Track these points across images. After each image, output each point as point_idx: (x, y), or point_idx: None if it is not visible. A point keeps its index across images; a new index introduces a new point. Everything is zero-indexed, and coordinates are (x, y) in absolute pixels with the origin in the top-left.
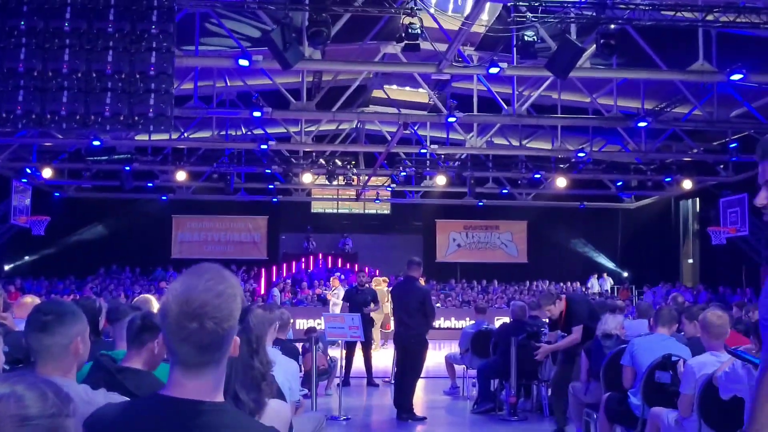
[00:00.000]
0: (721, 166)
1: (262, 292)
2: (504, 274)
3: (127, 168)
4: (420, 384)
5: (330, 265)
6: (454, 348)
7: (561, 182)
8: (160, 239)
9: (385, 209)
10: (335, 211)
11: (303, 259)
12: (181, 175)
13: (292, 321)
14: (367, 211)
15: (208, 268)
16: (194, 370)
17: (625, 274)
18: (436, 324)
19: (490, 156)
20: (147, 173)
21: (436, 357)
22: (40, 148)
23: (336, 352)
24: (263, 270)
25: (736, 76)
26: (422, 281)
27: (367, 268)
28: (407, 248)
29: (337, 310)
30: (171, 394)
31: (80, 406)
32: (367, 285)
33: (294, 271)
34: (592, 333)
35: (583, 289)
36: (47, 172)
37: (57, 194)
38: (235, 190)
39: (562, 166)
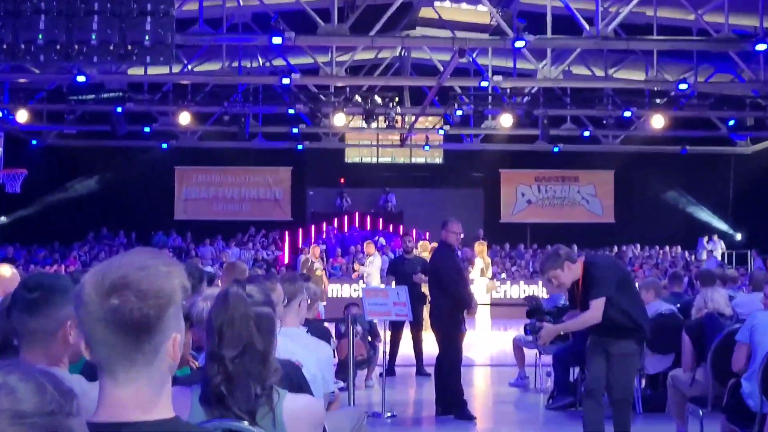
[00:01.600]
0: None
1: (287, 260)
2: (585, 236)
3: (119, 109)
4: (480, 374)
5: (369, 227)
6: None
7: (657, 121)
8: (161, 197)
9: (436, 157)
10: (374, 160)
11: (335, 220)
12: (184, 118)
13: (323, 295)
14: (414, 161)
15: (142, 249)
16: (121, 372)
17: (739, 237)
18: (498, 295)
19: (568, 90)
20: (143, 115)
21: (501, 340)
22: (13, 86)
23: (379, 335)
24: (287, 234)
25: None
26: (479, 246)
27: (414, 231)
28: (464, 206)
29: (373, 283)
30: (95, 419)
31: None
32: (414, 252)
33: (325, 234)
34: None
35: (689, 257)
36: (22, 116)
37: (34, 142)
38: (251, 135)
39: (658, 101)
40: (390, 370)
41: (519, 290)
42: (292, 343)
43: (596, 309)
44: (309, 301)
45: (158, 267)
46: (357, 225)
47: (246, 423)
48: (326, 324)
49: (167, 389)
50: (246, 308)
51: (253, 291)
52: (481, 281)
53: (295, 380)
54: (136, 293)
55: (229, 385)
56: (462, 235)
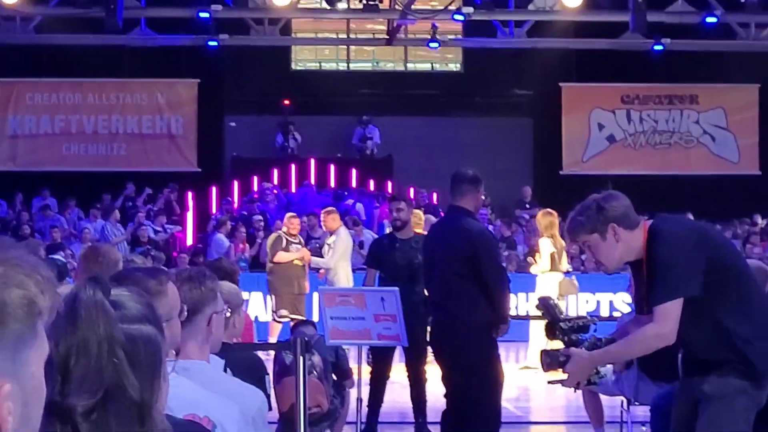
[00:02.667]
0: None
1: (190, 242)
2: (709, 198)
3: None
4: None
5: (333, 185)
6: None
7: None
8: None
9: (450, 63)
10: (342, 67)
11: (275, 172)
12: None
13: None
14: (411, 67)
15: None
16: None
17: None
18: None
19: None
20: None
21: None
22: None
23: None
24: (190, 195)
25: None
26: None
27: (412, 190)
28: (499, 146)
29: (339, 280)
30: None
31: None
32: (413, 228)
33: (258, 195)
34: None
35: None
36: None
37: None
38: (128, 23)
39: None
40: (370, 428)
41: (593, 291)
42: (197, 386)
43: (663, 320)
44: (228, 314)
45: None
46: (313, 181)
47: None
48: (261, 354)
49: None
50: (110, 327)
51: (125, 298)
52: (552, 278)
53: None
54: None
55: None
56: (486, 197)
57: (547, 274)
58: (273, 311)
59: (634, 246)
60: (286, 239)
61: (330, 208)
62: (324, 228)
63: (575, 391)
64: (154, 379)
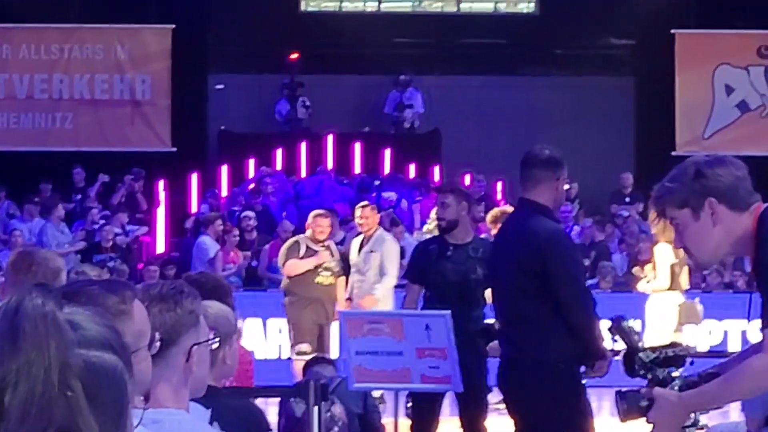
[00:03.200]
0: None
1: (161, 248)
2: None
3: None
4: None
5: (359, 170)
6: (729, 414)
7: None
8: None
9: (522, 2)
10: (373, 7)
11: (279, 151)
12: None
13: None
14: (466, 8)
15: None
16: None
17: None
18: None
19: None
20: None
21: None
22: None
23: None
24: (162, 183)
25: None
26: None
27: (467, 177)
28: (591, 115)
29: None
30: None
31: None
32: (456, 227)
33: (255, 184)
34: None
35: None
36: None
37: None
38: None
39: None
40: None
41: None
42: None
43: None
44: (216, 345)
45: None
46: (330, 165)
47: None
48: (261, 403)
49: None
50: (64, 349)
51: (82, 317)
52: (669, 300)
53: None
54: None
55: None
56: (571, 187)
57: (663, 294)
58: (291, 346)
59: (740, 235)
60: (307, 246)
61: (366, 203)
62: (361, 229)
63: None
64: (119, 424)
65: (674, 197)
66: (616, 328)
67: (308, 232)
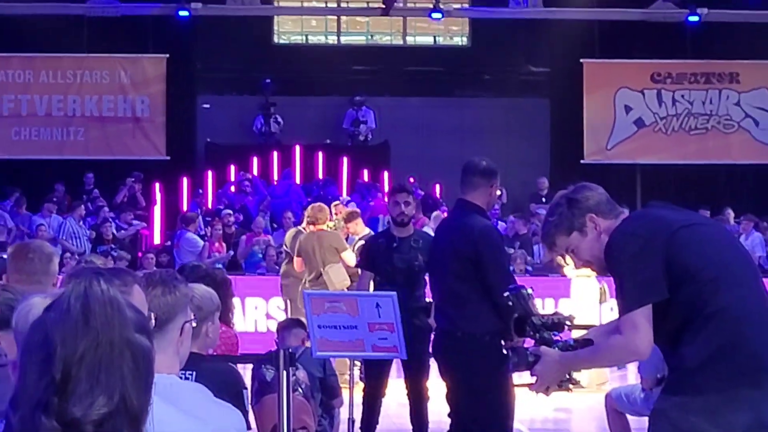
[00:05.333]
0: None
1: (158, 240)
2: (751, 190)
3: None
4: None
5: (322, 174)
6: (627, 377)
7: None
8: None
9: (456, 36)
10: (333, 41)
11: (254, 161)
12: None
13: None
14: (411, 42)
15: None
16: None
17: None
18: (567, 311)
19: None
20: None
21: (589, 396)
22: None
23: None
24: (158, 186)
25: None
26: None
27: (412, 180)
28: (513, 131)
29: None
30: None
31: None
32: (411, 222)
33: (235, 186)
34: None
35: None
36: None
37: None
38: None
39: None
40: None
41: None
42: (165, 404)
43: (628, 330)
44: (195, 324)
45: None
46: (298, 170)
47: None
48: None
49: None
50: (125, 329)
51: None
52: (591, 282)
53: None
54: None
55: None
56: (501, 192)
57: (585, 278)
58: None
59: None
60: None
61: (339, 201)
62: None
63: (544, 394)
64: (149, 390)
65: (560, 228)
66: (515, 295)
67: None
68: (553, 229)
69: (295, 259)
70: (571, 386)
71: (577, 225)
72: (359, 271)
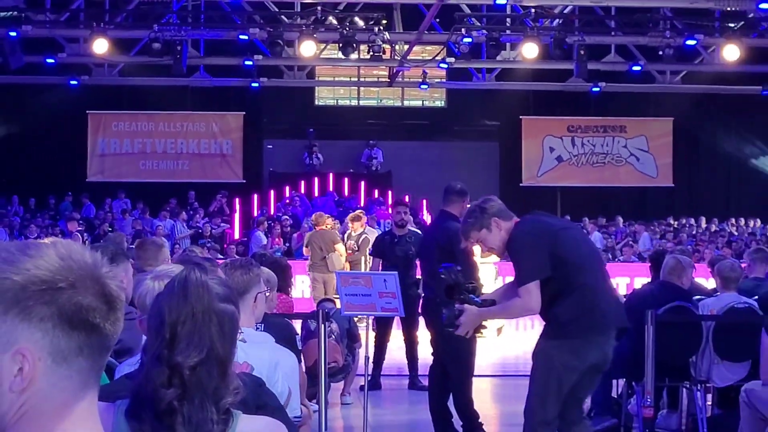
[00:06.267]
0: None
1: (237, 236)
2: (634, 206)
3: (14, 34)
4: (490, 387)
5: (347, 192)
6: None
7: (731, 52)
8: (69, 151)
9: (437, 100)
10: (354, 103)
11: (302, 183)
12: (101, 45)
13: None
14: (407, 104)
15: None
16: None
17: None
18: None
19: (612, 10)
20: (46, 42)
21: (517, 342)
22: None
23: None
24: (237, 200)
25: None
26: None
27: (407, 197)
28: (474, 164)
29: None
30: None
31: None
32: (408, 226)
33: (289, 200)
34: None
35: None
36: None
37: None
38: (190, 69)
39: (732, 25)
40: (374, 382)
41: None
42: (248, 349)
43: (525, 296)
44: (268, 293)
45: (25, 256)
46: (332, 189)
47: None
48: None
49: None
50: (211, 302)
51: (214, 282)
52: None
53: (254, 397)
54: None
55: (181, 401)
56: (468, 205)
57: (486, 263)
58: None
59: (499, 239)
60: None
61: (361, 212)
62: (350, 226)
63: (466, 336)
64: (233, 345)
65: (475, 226)
66: (447, 270)
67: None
68: (470, 227)
69: (304, 248)
70: (482, 331)
71: (485, 225)
72: (353, 255)
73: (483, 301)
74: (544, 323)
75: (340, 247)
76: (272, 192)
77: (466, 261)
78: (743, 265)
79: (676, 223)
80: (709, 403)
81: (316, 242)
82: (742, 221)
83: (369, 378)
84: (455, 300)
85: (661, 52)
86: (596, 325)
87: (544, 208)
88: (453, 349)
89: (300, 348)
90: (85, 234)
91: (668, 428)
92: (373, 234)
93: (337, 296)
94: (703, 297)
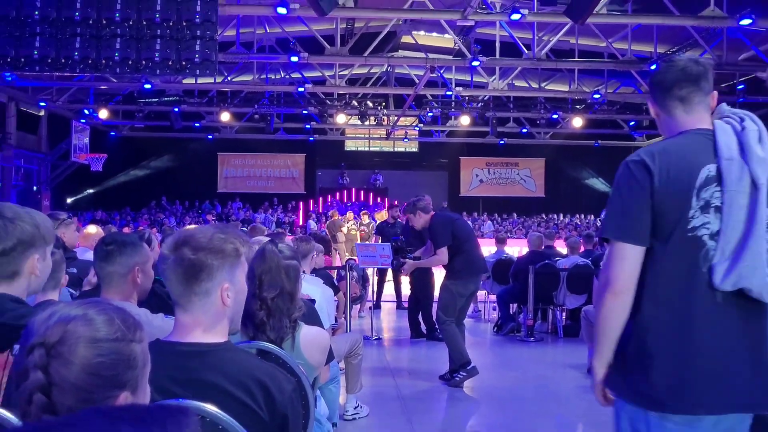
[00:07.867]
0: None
1: (301, 223)
2: (523, 207)
3: (176, 109)
4: None
5: (362, 199)
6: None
7: (577, 122)
8: (207, 175)
9: (413, 147)
10: (367, 149)
11: (338, 193)
12: (225, 116)
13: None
14: (396, 149)
15: (214, 225)
16: (184, 305)
17: None
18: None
19: (511, 97)
20: (194, 114)
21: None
22: (97, 91)
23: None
24: (301, 203)
25: (745, 21)
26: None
27: (396, 201)
28: (434, 184)
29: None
30: (169, 339)
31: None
32: (399, 218)
33: (330, 203)
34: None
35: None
36: (103, 113)
37: (113, 134)
38: (275, 129)
39: (578, 106)
40: (377, 304)
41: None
42: (308, 285)
43: (439, 254)
44: (317, 255)
45: (215, 233)
46: (354, 198)
47: (274, 346)
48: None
49: (223, 323)
50: (279, 261)
51: (284, 248)
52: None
53: (310, 314)
54: (191, 248)
55: (267, 318)
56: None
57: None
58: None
59: (426, 221)
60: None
61: (365, 212)
62: (360, 219)
63: (406, 276)
64: (297, 283)
65: (408, 212)
66: (395, 241)
67: (344, 219)
68: (406, 212)
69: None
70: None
71: (413, 212)
72: (365, 233)
73: (414, 257)
74: (445, 271)
75: (344, 229)
76: (320, 199)
77: (414, 235)
78: (581, 241)
79: (546, 217)
80: (564, 317)
81: (329, 229)
82: (583, 216)
83: (374, 302)
84: (400, 256)
85: (538, 121)
86: (472, 272)
87: (473, 209)
88: (422, 286)
89: (336, 285)
90: (217, 222)
91: (541, 331)
92: (375, 221)
93: (355, 257)
94: (559, 258)
